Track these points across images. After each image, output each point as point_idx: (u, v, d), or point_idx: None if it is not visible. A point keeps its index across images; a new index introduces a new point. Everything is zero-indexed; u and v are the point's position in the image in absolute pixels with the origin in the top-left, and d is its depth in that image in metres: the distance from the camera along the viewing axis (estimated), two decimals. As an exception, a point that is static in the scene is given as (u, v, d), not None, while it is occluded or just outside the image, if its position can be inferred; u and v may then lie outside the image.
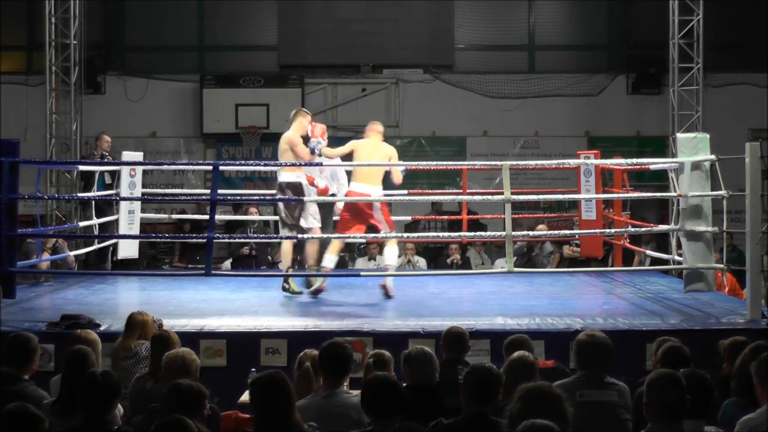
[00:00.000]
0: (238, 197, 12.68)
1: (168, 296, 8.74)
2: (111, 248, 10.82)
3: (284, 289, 8.70)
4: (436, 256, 13.22)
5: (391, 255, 8.67)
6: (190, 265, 13.17)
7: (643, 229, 10.02)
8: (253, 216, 12.31)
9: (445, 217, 13.06)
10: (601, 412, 4.62)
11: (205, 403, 4.12)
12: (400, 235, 12.89)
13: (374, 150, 8.62)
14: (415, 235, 13.06)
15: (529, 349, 5.38)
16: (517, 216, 10.52)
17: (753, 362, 4.39)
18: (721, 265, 8.39)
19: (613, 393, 4.73)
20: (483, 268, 12.17)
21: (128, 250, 10.49)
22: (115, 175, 10.77)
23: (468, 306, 8.56)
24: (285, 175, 8.56)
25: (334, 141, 15.17)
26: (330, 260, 8.56)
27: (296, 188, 8.51)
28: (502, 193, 8.14)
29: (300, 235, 8.56)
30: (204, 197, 12.35)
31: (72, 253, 10.20)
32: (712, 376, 4.78)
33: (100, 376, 4.30)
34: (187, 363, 4.87)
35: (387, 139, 15.04)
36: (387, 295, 8.57)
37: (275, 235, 9.55)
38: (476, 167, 13.17)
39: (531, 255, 11.85)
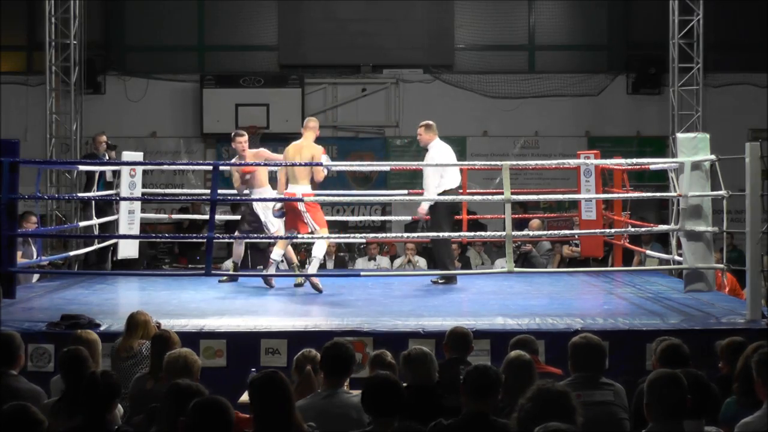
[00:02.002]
0: (238, 197, 12.67)
1: (168, 296, 8.73)
2: (111, 248, 10.81)
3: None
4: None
5: (319, 248, 8.80)
6: (190, 265, 13.15)
7: (643, 229, 10.02)
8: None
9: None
10: (598, 413, 4.63)
11: (204, 403, 4.11)
12: (400, 235, 12.93)
13: (298, 152, 8.84)
14: (415, 235, 13.03)
15: (533, 350, 5.40)
16: (517, 216, 10.51)
17: (753, 358, 4.39)
18: (721, 265, 8.38)
19: (609, 393, 4.77)
20: (483, 268, 12.16)
21: (128, 250, 10.49)
22: (116, 175, 10.77)
23: (468, 306, 8.55)
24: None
25: (335, 141, 15.40)
26: (277, 254, 8.95)
27: None
28: (502, 193, 8.15)
29: (300, 235, 8.59)
30: (204, 197, 12.33)
31: (72, 253, 10.22)
32: (712, 377, 4.79)
33: (100, 376, 4.31)
34: (189, 363, 4.88)
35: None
36: (317, 289, 8.73)
37: (275, 235, 9.53)
38: (476, 167, 13.16)
39: (528, 254, 11.81)
